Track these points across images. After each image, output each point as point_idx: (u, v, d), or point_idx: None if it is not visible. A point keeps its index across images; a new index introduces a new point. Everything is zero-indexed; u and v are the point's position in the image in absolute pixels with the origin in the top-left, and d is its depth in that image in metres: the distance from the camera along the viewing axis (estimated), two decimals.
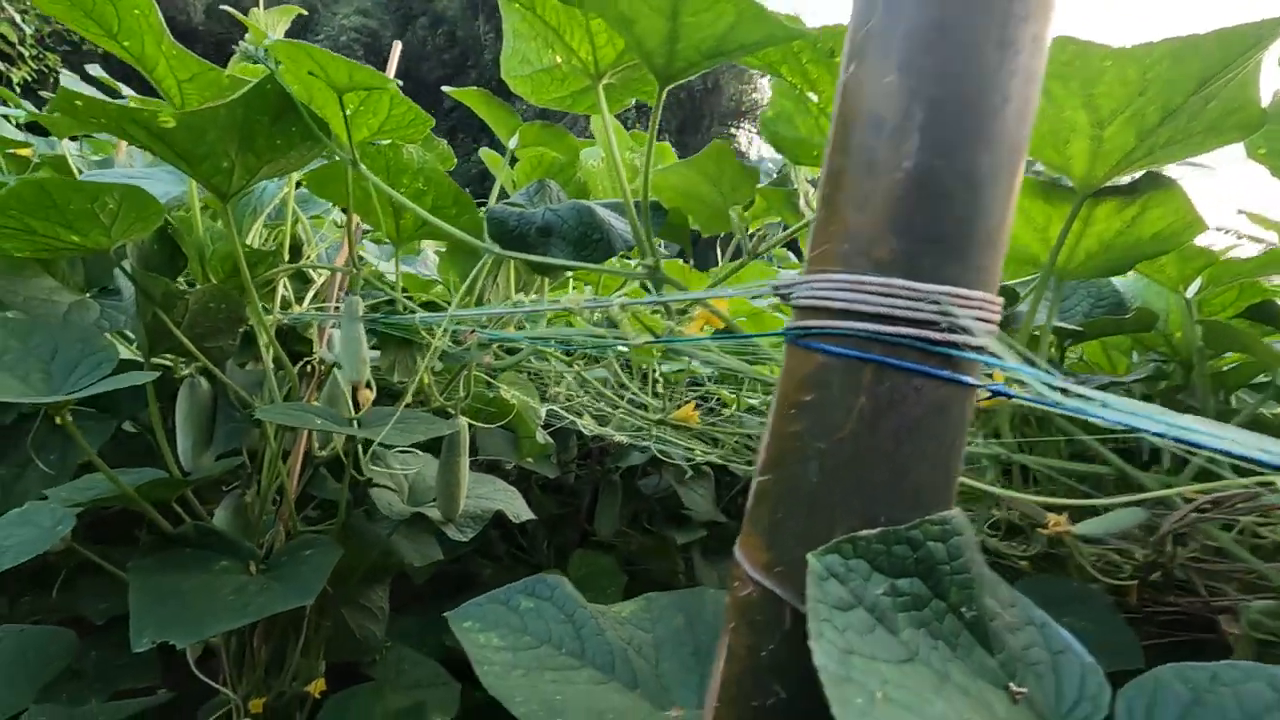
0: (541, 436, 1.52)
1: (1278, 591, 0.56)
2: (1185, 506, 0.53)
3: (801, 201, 0.76)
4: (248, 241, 1.23)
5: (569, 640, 0.64)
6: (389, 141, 0.93)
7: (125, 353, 1.19)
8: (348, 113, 0.80)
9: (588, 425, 1.59)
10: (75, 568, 1.83)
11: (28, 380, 0.83)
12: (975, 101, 0.34)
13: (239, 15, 0.91)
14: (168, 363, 1.28)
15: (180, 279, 1.22)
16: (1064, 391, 0.33)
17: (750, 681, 0.38)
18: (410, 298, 1.40)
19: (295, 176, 1.28)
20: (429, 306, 1.46)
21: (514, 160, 1.07)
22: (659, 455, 1.48)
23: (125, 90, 1.77)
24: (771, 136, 0.72)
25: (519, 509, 1.28)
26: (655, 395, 1.04)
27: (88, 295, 1.26)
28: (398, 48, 1.17)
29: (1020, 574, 0.86)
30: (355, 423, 0.99)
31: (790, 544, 0.37)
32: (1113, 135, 0.55)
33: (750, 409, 1.10)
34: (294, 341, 1.26)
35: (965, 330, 0.34)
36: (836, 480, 0.36)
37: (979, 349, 0.34)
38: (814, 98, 0.60)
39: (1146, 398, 0.88)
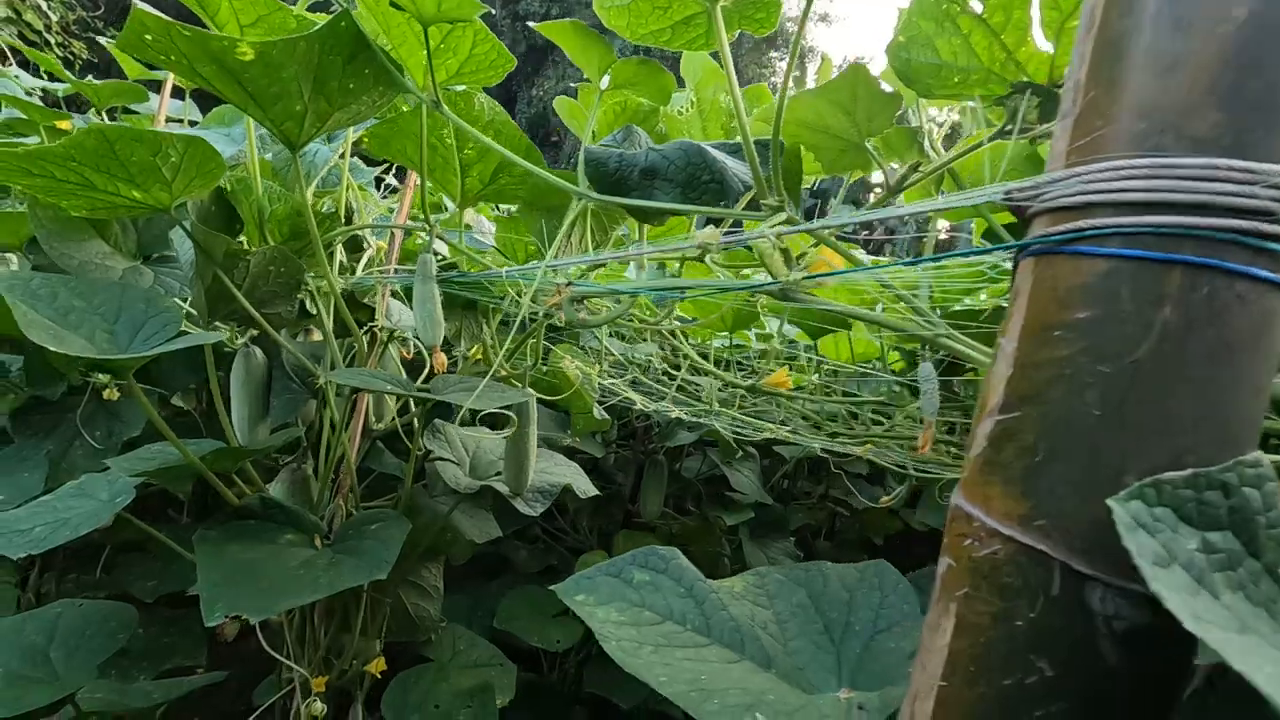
0: (598, 412, 1.46)
1: None
2: None
3: (925, 142, 0.69)
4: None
5: (692, 616, 0.58)
6: (463, 88, 0.87)
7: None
8: (431, 48, 0.74)
9: (643, 402, 1.54)
10: (118, 547, 1.81)
11: (93, 339, 0.78)
12: None
13: None
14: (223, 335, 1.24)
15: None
16: None
17: (1000, 655, 0.32)
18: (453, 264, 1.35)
19: (350, 138, 1.23)
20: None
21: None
22: (733, 435, 1.42)
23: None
24: (901, 65, 0.65)
25: (584, 485, 1.23)
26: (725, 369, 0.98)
27: (140, 262, 1.22)
28: None
29: None
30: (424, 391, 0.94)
31: (1059, 491, 0.30)
32: None
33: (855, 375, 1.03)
34: (352, 309, 1.21)
35: None
36: (1127, 411, 0.29)
37: None
38: (977, 6, 0.53)
39: None
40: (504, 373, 1.09)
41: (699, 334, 1.38)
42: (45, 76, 2.56)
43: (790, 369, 0.97)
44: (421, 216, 1.02)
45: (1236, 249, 0.28)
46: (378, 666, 1.21)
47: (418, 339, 1.20)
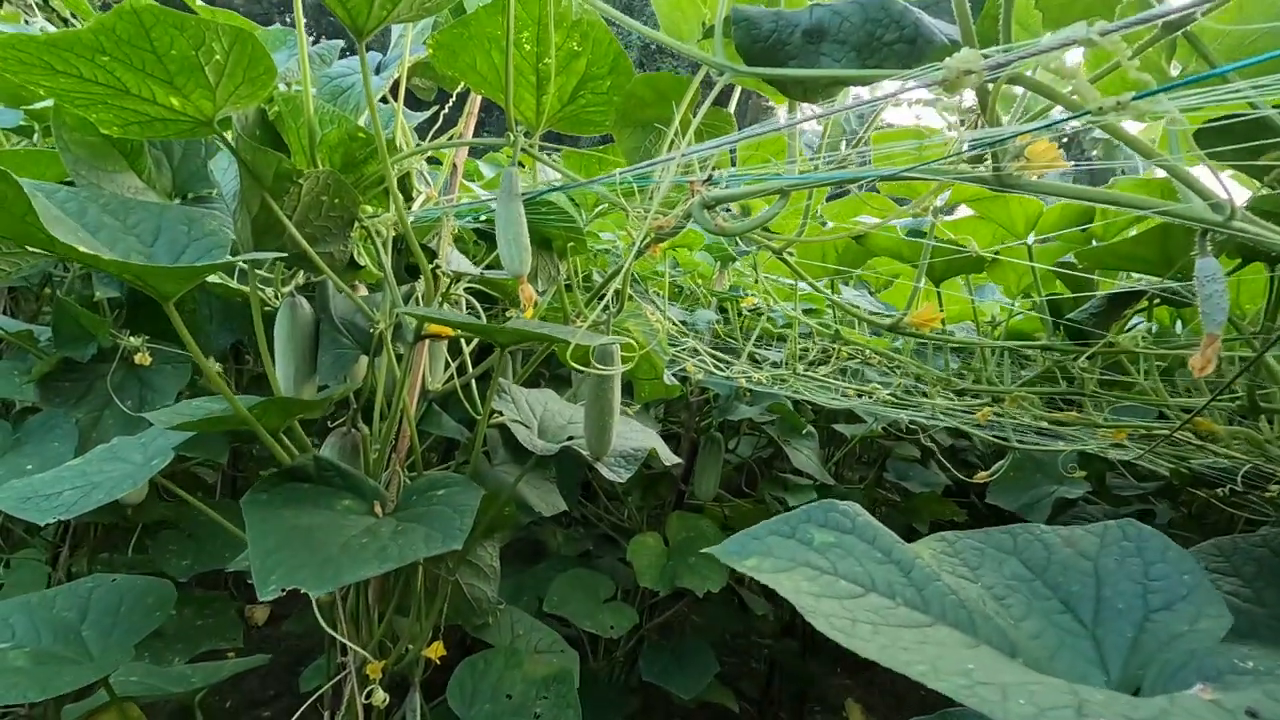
0: (668, 378, 1.33)
1: None
2: None
3: None
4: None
5: (901, 587, 0.45)
6: None
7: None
8: None
9: (711, 367, 1.40)
10: (149, 526, 1.72)
11: (127, 257, 0.66)
12: None
13: None
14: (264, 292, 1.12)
15: None
16: None
17: None
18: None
19: (406, 60, 1.10)
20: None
21: None
22: (816, 402, 1.29)
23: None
24: None
25: (666, 452, 1.10)
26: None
27: (177, 201, 1.11)
28: None
29: None
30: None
31: None
32: None
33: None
34: (406, 255, 1.09)
35: None
36: None
37: None
38: None
39: None
40: (585, 320, 0.95)
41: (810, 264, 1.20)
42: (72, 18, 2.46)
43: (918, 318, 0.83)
44: (510, 129, 0.88)
45: None
46: (436, 651, 1.09)
47: (478, 287, 1.07)
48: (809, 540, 0.47)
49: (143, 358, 1.39)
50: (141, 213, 0.71)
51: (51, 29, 2.00)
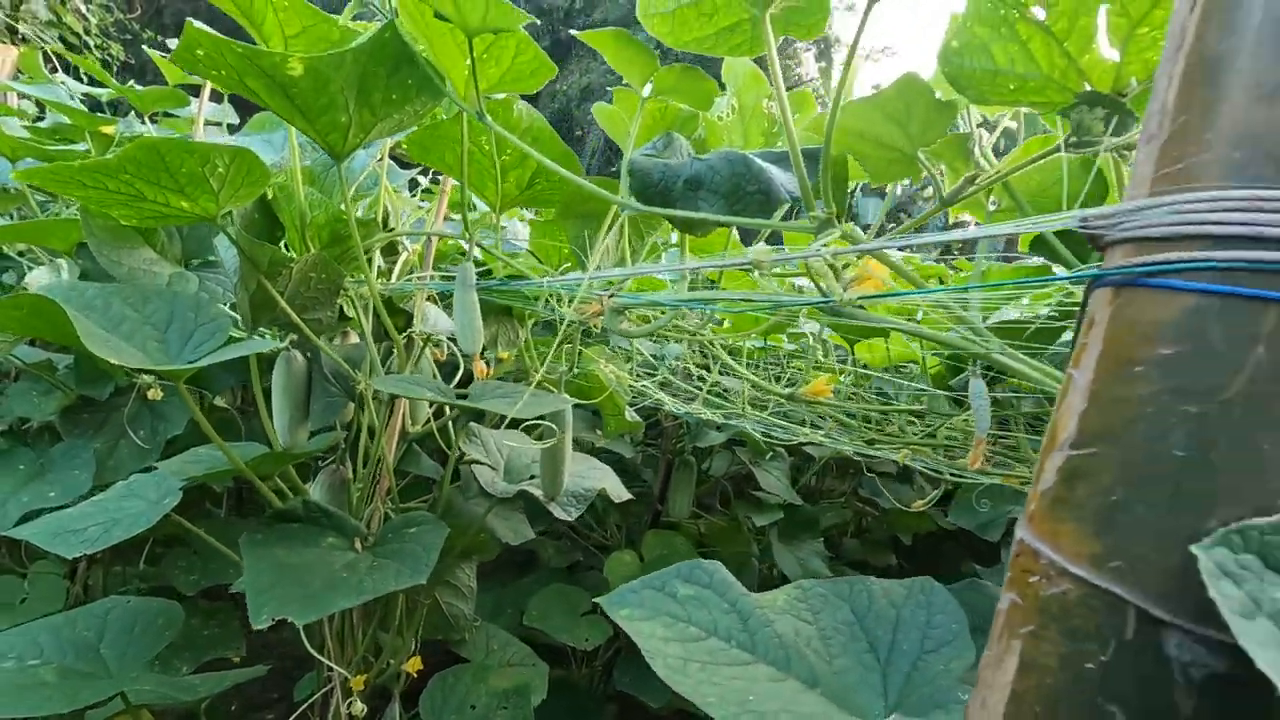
0: (630, 415, 1.46)
1: None
2: None
3: (975, 149, 0.67)
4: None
5: (737, 632, 0.58)
6: (502, 96, 0.87)
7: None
8: (475, 56, 0.74)
9: (673, 404, 1.53)
10: (160, 541, 1.87)
11: (145, 349, 0.80)
12: None
13: None
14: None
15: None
16: None
17: (1069, 699, 0.31)
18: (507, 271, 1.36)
19: (388, 144, 1.24)
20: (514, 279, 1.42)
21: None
22: (764, 437, 1.42)
23: None
24: (952, 71, 0.64)
25: (618, 489, 1.23)
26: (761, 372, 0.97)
27: (185, 268, 1.25)
28: None
29: None
30: (465, 396, 0.95)
31: (1137, 534, 0.30)
32: None
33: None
34: (388, 315, 1.23)
35: None
36: (1214, 454, 0.28)
37: None
38: (1039, 13, 0.51)
39: None
40: (539, 378, 1.09)
41: (731, 333, 1.37)
42: (85, 79, 2.64)
43: (823, 372, 0.96)
44: (461, 225, 1.03)
45: None
46: (414, 666, 1.23)
47: (454, 343, 1.21)
48: (674, 593, 0.61)
49: (155, 393, 1.54)
50: (157, 302, 0.85)
51: (75, 86, 2.15)
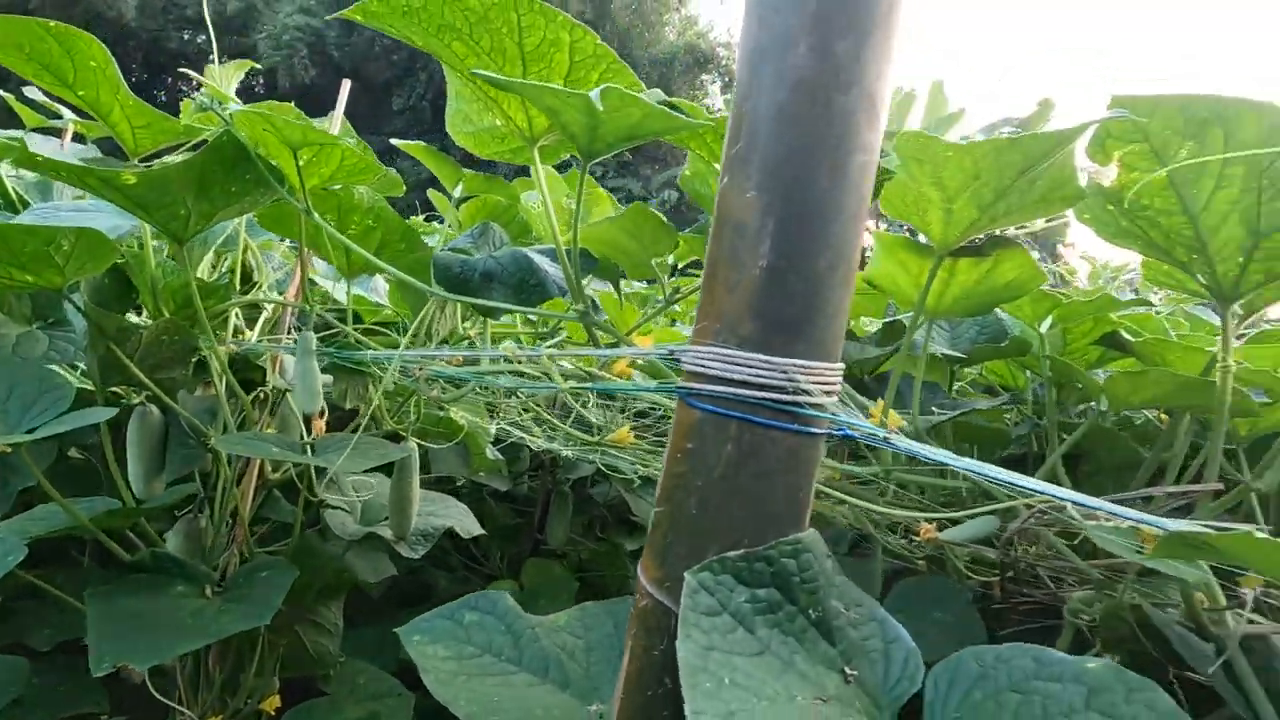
0: (491, 453, 1.58)
1: (1096, 584, 0.68)
2: (1025, 514, 0.64)
3: (673, 270, 0.85)
4: (198, 272, 1.26)
5: (508, 649, 0.72)
6: (339, 186, 0.99)
7: (75, 383, 1.21)
8: (301, 164, 0.86)
9: (535, 442, 1.67)
10: (11, 594, 1.81)
11: None
12: (814, 215, 0.43)
13: (195, 75, 0.96)
14: (119, 393, 1.30)
15: (130, 312, 1.25)
16: (887, 437, 0.42)
17: (647, 675, 0.47)
18: (360, 320, 1.45)
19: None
20: (381, 327, 1.51)
21: (465, 197, 1.14)
22: (603, 469, 1.57)
23: (65, 112, 1.77)
24: (691, 192, 0.82)
25: (469, 525, 1.35)
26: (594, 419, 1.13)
27: (35, 327, 1.28)
28: (345, 88, 1.22)
29: (916, 571, 0.98)
30: (309, 449, 1.05)
31: (676, 563, 0.46)
32: (960, 208, 0.65)
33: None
34: (247, 369, 1.30)
35: (807, 393, 0.43)
36: (710, 512, 0.45)
37: (818, 406, 0.44)
38: (719, 168, 0.69)
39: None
40: (389, 427, 1.20)
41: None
42: None
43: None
44: (303, 294, 1.13)
45: (767, 409, 0.44)
46: (272, 704, 1.29)
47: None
48: (461, 620, 0.74)
49: (2, 447, 1.52)
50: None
51: None
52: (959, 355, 0.97)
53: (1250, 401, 0.70)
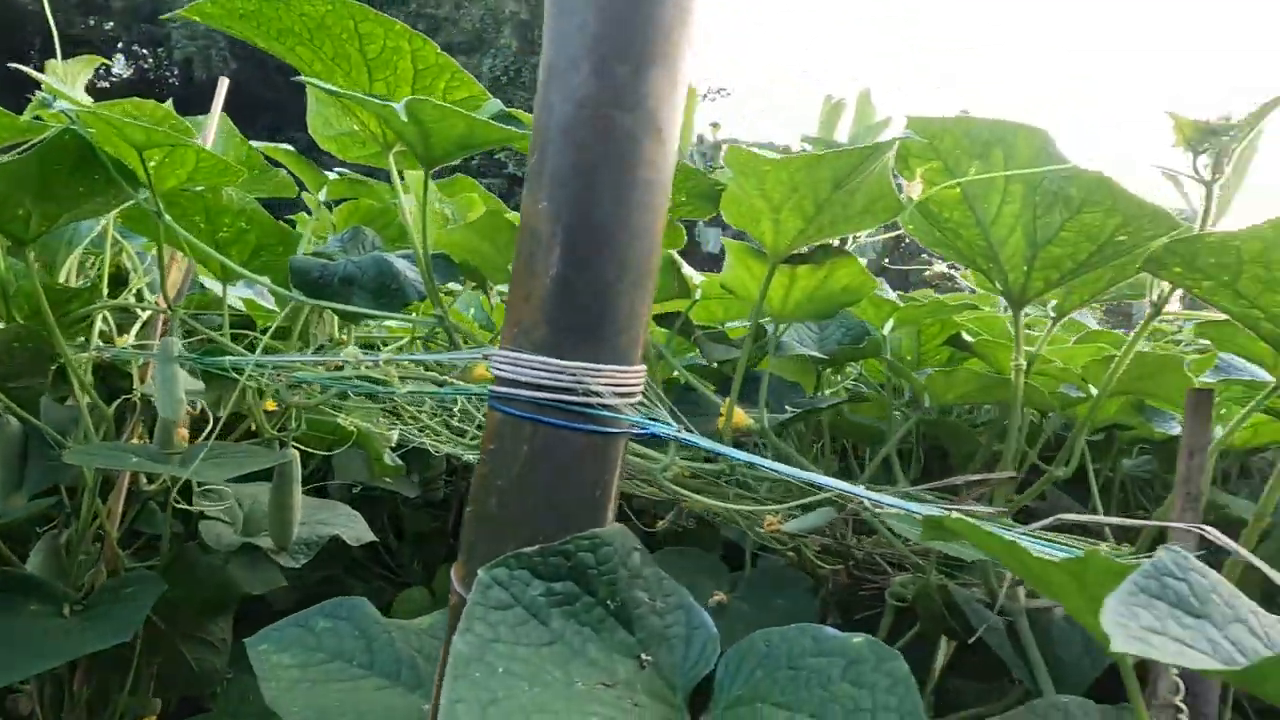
0: (390, 458, 1.56)
1: (915, 568, 0.74)
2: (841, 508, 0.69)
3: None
4: (61, 276, 1.20)
5: (359, 653, 0.72)
6: (202, 188, 0.97)
7: None
8: (151, 165, 0.84)
9: (436, 445, 1.65)
10: None
11: None
12: (599, 227, 0.46)
13: (32, 73, 0.92)
14: None
15: None
16: (688, 431, 0.45)
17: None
18: (253, 326, 1.41)
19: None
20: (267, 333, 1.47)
21: (339, 200, 1.13)
22: None
23: None
24: None
25: (359, 532, 1.33)
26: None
27: None
28: (223, 86, 1.19)
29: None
30: (177, 460, 1.01)
31: (479, 560, 0.47)
32: (785, 218, 0.70)
33: None
34: (117, 377, 1.25)
35: (598, 395, 0.46)
36: (509, 510, 0.47)
37: (610, 407, 0.46)
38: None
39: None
40: (269, 434, 1.17)
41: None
42: None
43: None
44: (166, 300, 1.09)
45: (558, 411, 0.46)
46: None
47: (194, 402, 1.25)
48: (313, 628, 0.73)
49: None
50: None
51: None
52: (822, 356, 1.02)
53: (1042, 395, 0.78)
